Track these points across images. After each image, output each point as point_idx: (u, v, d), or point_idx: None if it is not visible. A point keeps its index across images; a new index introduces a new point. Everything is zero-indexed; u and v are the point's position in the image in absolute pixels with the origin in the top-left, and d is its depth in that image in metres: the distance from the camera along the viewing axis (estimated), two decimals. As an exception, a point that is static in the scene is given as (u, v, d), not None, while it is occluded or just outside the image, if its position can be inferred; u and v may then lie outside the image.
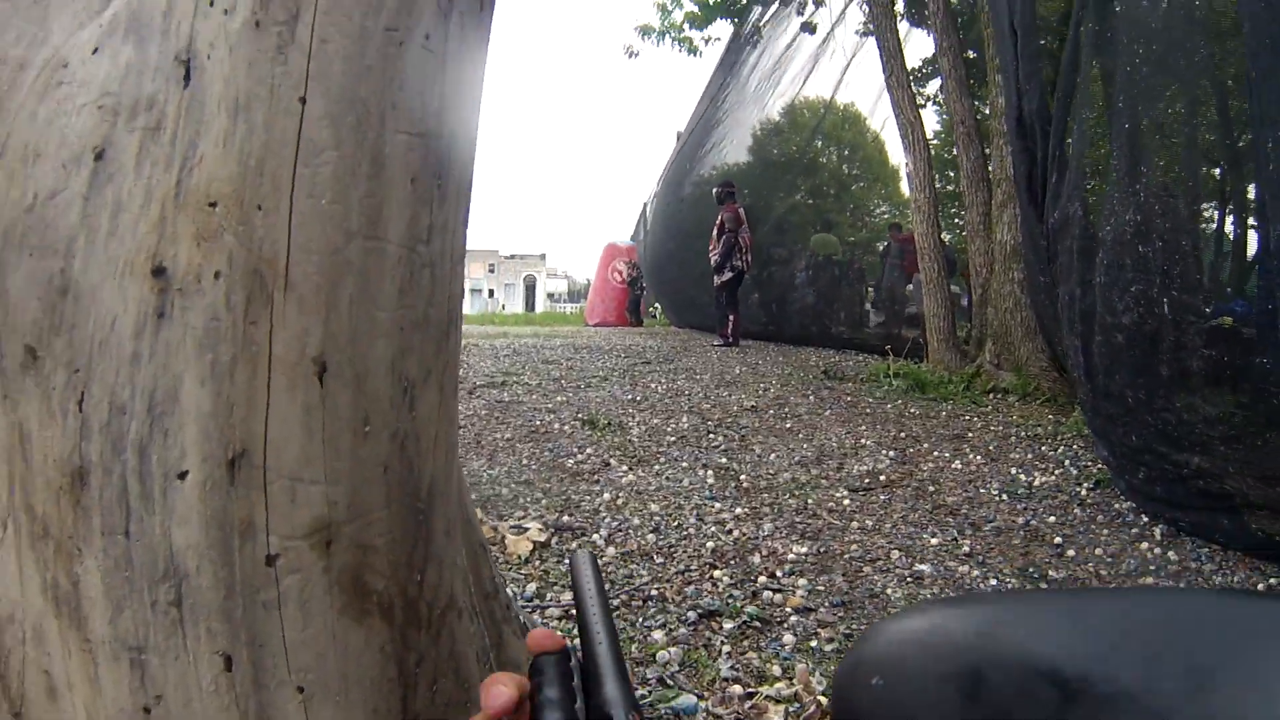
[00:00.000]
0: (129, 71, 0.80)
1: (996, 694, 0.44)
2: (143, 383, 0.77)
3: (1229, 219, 4.86)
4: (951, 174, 10.39)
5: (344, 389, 0.82)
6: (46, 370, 0.79)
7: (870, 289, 10.80)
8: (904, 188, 8.13)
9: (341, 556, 0.82)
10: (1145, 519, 3.38)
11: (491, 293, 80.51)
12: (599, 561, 3.49)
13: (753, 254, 11.28)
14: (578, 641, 0.71)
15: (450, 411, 0.98)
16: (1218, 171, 4.67)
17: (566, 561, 2.81)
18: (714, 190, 11.99)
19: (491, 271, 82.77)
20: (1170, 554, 3.03)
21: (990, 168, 6.77)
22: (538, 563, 2.81)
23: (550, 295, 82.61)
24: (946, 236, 8.70)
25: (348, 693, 0.84)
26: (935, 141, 9.79)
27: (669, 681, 2.05)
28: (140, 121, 0.78)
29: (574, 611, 0.78)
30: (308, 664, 0.81)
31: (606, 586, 2.76)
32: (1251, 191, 4.14)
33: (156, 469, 0.77)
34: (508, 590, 1.38)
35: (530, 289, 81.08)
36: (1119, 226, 3.37)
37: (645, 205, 23.37)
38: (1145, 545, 3.10)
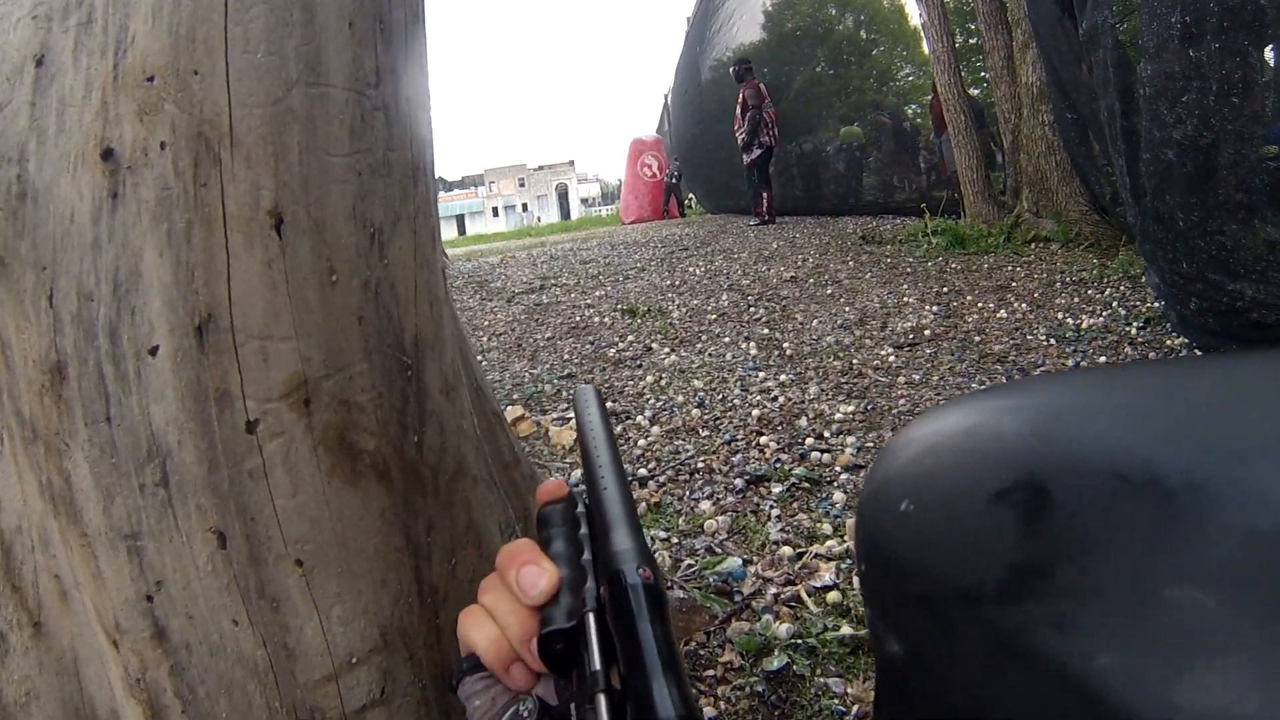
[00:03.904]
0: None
1: (1068, 514, 0.32)
2: (105, 266, 0.76)
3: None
4: (971, 27, 10.07)
5: (303, 239, 0.78)
6: (16, 275, 0.78)
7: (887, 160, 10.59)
8: (925, 47, 7.86)
9: (323, 414, 0.79)
10: (1199, 355, 3.28)
11: (525, 206, 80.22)
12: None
13: (779, 128, 11.08)
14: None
15: (430, 261, 0.93)
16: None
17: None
18: (731, 69, 11.77)
19: (522, 185, 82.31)
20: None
21: (1008, 11, 6.52)
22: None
23: (584, 201, 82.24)
24: (974, 91, 8.45)
25: (350, 563, 0.81)
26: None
27: (717, 550, 2.03)
28: (73, 20, 0.77)
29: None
30: (303, 534, 0.78)
31: (651, 460, 2.77)
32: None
33: (128, 349, 0.76)
34: (530, 462, 1.36)
35: (563, 197, 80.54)
36: (1164, 30, 3.12)
37: (666, 96, 23.05)
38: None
